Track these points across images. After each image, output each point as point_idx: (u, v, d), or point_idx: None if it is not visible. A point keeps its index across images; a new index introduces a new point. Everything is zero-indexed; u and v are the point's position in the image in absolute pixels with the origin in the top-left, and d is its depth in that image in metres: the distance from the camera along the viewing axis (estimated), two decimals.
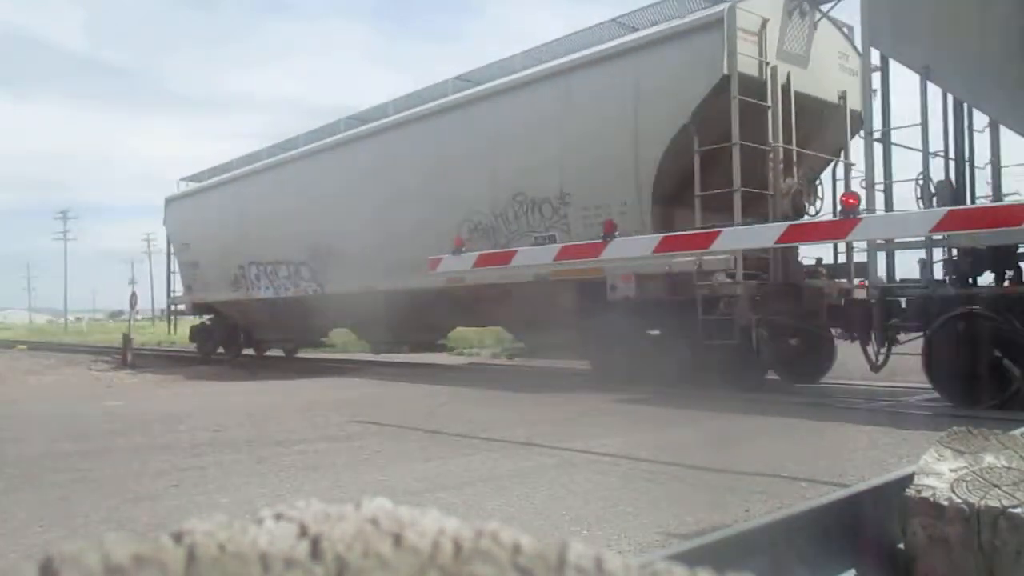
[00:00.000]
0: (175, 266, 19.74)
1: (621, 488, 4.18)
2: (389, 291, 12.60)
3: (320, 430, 6.48)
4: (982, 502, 1.41)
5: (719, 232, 8.01)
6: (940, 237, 7.16)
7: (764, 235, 7.68)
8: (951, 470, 1.52)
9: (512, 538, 0.45)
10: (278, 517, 0.47)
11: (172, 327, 20.94)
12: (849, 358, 9.21)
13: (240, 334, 18.54)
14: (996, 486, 1.45)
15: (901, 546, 1.52)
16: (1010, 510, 1.37)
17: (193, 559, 0.42)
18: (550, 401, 8.41)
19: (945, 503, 1.43)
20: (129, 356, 17.44)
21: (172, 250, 19.93)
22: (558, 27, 65.64)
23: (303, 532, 0.45)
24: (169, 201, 19.93)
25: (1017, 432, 1.67)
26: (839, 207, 7.18)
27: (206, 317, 19.47)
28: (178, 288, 19.69)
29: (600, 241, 9.08)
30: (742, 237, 7.86)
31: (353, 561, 0.43)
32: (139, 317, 30.58)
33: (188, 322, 20.72)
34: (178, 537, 0.44)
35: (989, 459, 1.54)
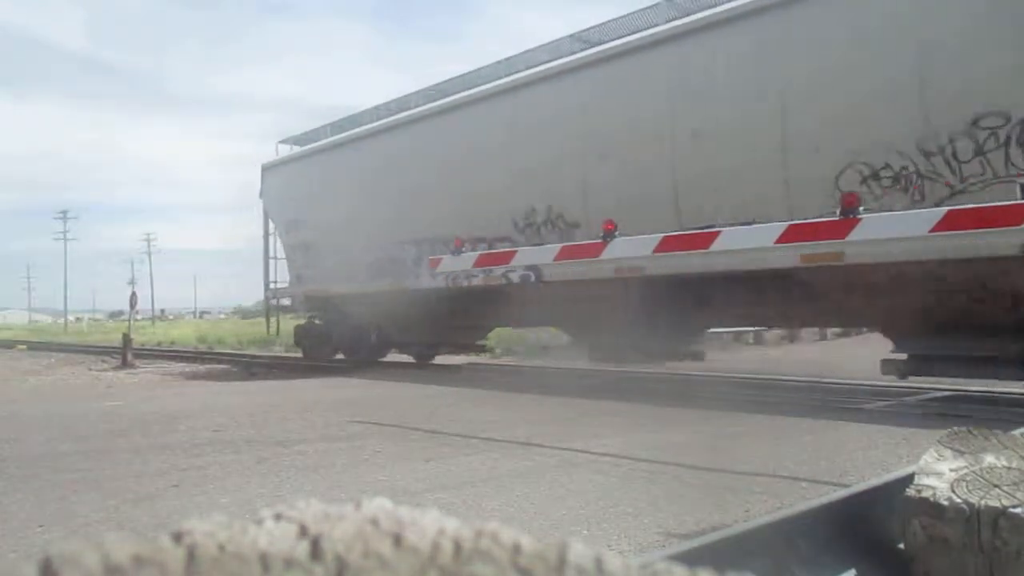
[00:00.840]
0: (276, 250, 15.93)
1: (621, 488, 4.18)
2: (674, 275, 8.54)
3: (320, 430, 6.48)
4: (982, 502, 1.41)
5: (719, 232, 8.05)
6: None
7: (764, 235, 7.70)
8: (951, 470, 1.52)
9: (512, 538, 0.45)
10: (278, 517, 0.47)
11: (274, 325, 17.01)
12: None
13: (371, 334, 14.62)
14: (996, 486, 1.45)
15: (901, 546, 1.53)
16: (1010, 510, 1.37)
17: (193, 559, 0.42)
18: (550, 401, 8.40)
19: (945, 503, 1.43)
20: (129, 356, 17.44)
21: (271, 229, 16.00)
22: (559, 27, 65.19)
23: (303, 532, 0.45)
24: (267, 169, 15.87)
25: (1017, 432, 1.67)
26: (839, 207, 7.15)
27: (311, 314, 15.92)
28: (282, 277, 15.94)
29: (600, 241, 9.11)
30: (742, 237, 7.87)
31: (353, 561, 0.43)
32: (139, 317, 30.63)
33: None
34: (178, 537, 0.44)
35: (989, 459, 1.54)
